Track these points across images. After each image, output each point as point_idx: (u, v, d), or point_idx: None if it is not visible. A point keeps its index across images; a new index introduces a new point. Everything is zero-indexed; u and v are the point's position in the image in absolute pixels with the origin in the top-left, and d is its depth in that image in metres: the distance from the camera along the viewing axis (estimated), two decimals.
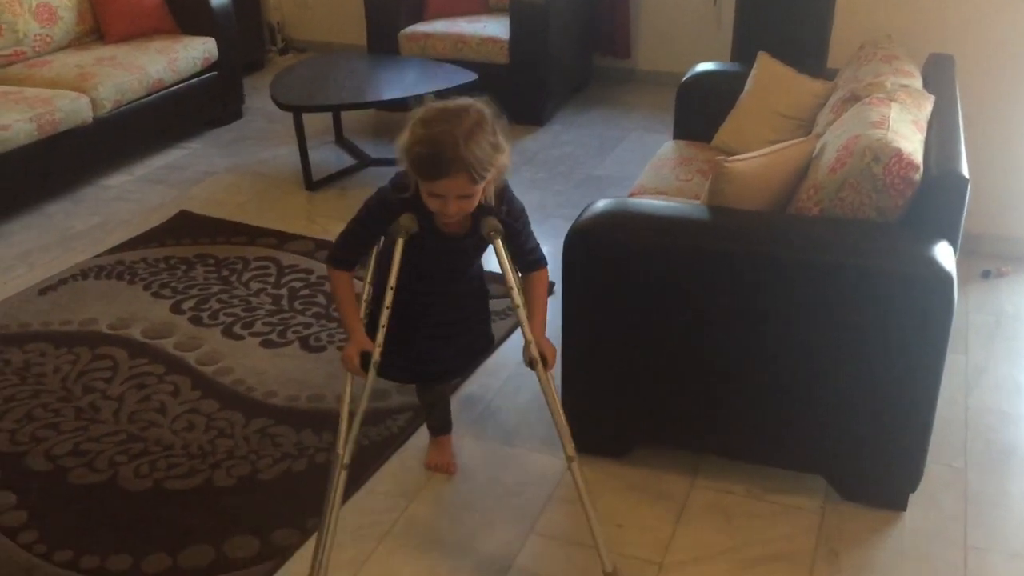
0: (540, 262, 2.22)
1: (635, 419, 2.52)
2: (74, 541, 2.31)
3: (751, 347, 2.30)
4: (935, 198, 2.23)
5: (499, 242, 2.08)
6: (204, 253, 3.74)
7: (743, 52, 3.56)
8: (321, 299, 3.38)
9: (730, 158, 2.38)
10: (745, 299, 2.26)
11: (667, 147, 3.44)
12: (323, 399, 2.83)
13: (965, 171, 2.26)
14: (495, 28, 5.00)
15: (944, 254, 2.15)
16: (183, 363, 3.03)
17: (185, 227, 3.97)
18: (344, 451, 2.09)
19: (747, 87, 3.30)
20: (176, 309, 3.34)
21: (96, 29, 4.87)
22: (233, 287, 3.48)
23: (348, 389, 2.14)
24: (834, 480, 2.42)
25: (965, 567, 2.22)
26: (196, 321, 3.27)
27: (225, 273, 3.58)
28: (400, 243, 2.08)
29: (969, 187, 2.24)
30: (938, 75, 2.95)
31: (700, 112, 3.46)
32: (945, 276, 2.11)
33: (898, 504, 2.38)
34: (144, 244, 3.82)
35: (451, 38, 4.98)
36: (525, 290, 2.20)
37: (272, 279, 3.53)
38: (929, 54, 3.17)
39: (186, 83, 4.79)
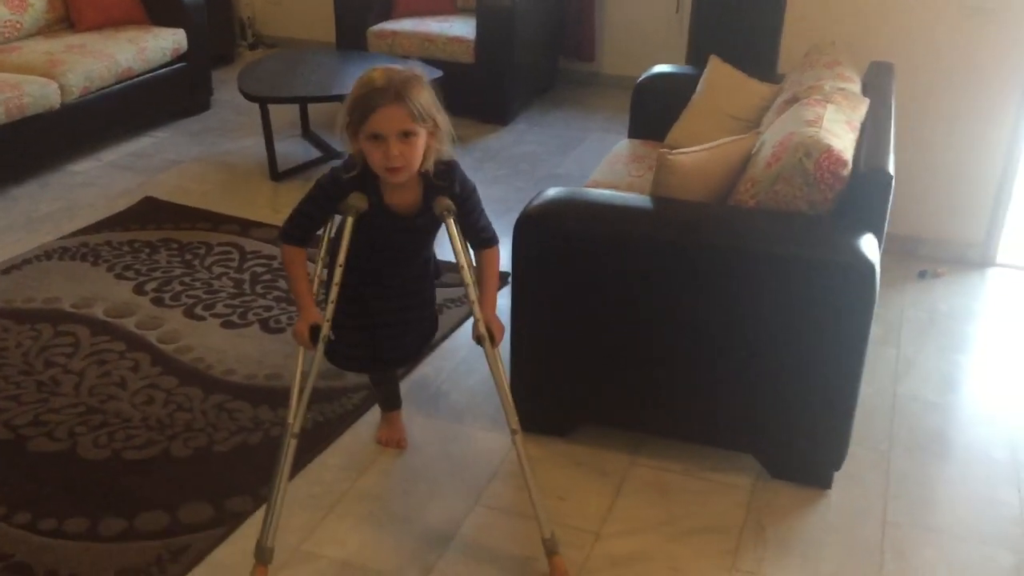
0: (492, 240, 2.29)
1: (579, 399, 2.64)
2: (33, 505, 2.38)
3: (688, 331, 2.43)
4: (862, 193, 2.37)
5: (451, 221, 2.15)
6: (168, 238, 3.81)
7: (697, 56, 3.69)
8: (282, 284, 3.47)
9: (673, 151, 2.51)
10: (683, 285, 2.39)
11: (622, 145, 3.57)
12: (280, 377, 2.92)
13: (891, 169, 2.40)
14: (462, 28, 5.11)
15: (869, 245, 2.28)
16: (144, 341, 3.10)
17: (150, 212, 4.04)
18: (295, 421, 2.15)
19: (699, 89, 3.43)
20: (139, 290, 3.41)
21: (66, 17, 4.93)
22: (196, 271, 3.56)
23: (300, 363, 2.21)
24: (764, 459, 2.55)
25: (883, 540, 2.35)
26: (158, 302, 3.34)
27: (188, 257, 3.66)
28: (350, 221, 2.13)
29: (893, 184, 2.38)
30: (877, 81, 3.09)
31: (655, 112, 3.59)
32: (868, 265, 2.24)
33: (823, 482, 2.52)
34: (109, 228, 3.89)
35: (418, 36, 5.08)
36: (477, 268, 2.26)
37: (235, 264, 3.61)
38: (871, 62, 3.32)
39: (155, 73, 4.86)
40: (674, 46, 5.46)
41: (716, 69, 3.41)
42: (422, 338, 2.54)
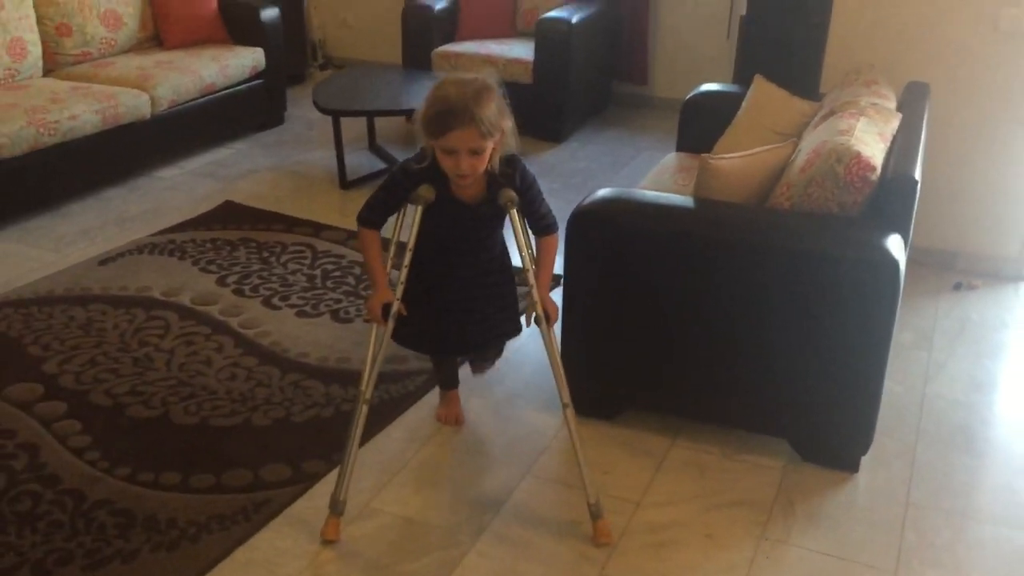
0: (552, 227, 2.48)
1: (625, 385, 2.86)
2: (131, 461, 2.67)
3: (726, 322, 2.65)
4: (889, 197, 2.57)
5: (515, 212, 2.35)
6: (246, 237, 4.12)
7: (743, 75, 3.92)
8: (351, 280, 3.75)
9: (715, 156, 2.74)
10: (722, 279, 2.61)
11: (669, 157, 3.81)
12: (349, 361, 3.19)
13: (917, 175, 2.60)
14: (521, 50, 5.40)
15: (895, 244, 2.49)
16: (227, 326, 3.40)
17: (230, 215, 4.36)
18: (367, 388, 2.38)
19: (744, 106, 3.65)
20: (221, 282, 3.72)
21: (156, 36, 5.31)
22: (272, 267, 3.86)
23: (374, 336, 2.44)
24: (796, 443, 2.74)
25: (904, 519, 2.53)
26: (239, 293, 3.64)
27: (265, 255, 3.96)
28: (419, 210, 2.33)
29: (919, 189, 2.58)
30: (911, 99, 3.29)
31: (702, 128, 3.81)
32: (893, 263, 2.44)
33: (851, 466, 2.70)
34: (193, 228, 4.21)
35: (480, 57, 5.38)
36: (537, 252, 2.47)
37: (307, 261, 3.91)
38: (908, 81, 3.52)
39: (235, 88, 5.21)
40: (723, 70, 5.68)
41: (760, 87, 3.63)
42: (492, 333, 2.67)
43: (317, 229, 4.22)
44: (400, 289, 2.39)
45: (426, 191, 2.33)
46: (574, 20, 5.24)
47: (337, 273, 3.81)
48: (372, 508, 2.53)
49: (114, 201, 4.50)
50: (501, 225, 2.49)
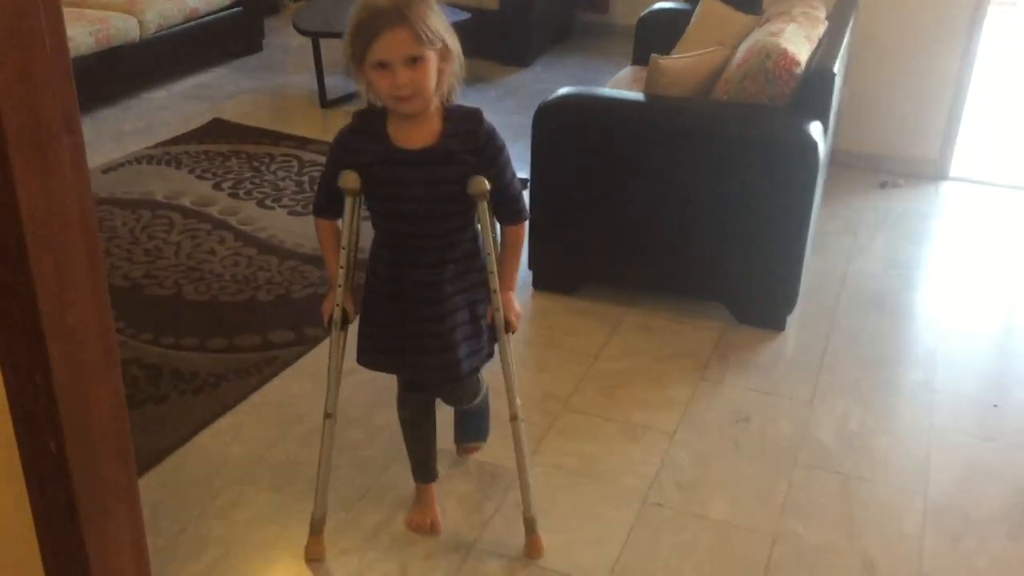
0: (522, 213, 2.08)
1: (583, 262, 3.27)
2: (153, 329, 3.04)
3: (672, 201, 3.05)
4: (811, 88, 2.97)
5: (484, 204, 1.97)
6: (236, 150, 4.46)
7: None
8: None
9: (664, 57, 3.12)
10: (668, 162, 3.00)
11: (625, 70, 4.18)
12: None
13: (836, 69, 3.00)
14: None
15: (815, 129, 2.89)
16: (226, 223, 3.75)
17: (219, 130, 4.68)
18: (329, 400, 2.12)
19: (692, 21, 4.02)
20: (217, 187, 4.06)
21: None
22: (263, 174, 4.20)
23: (330, 345, 2.10)
24: (732, 307, 3.17)
25: (821, 364, 2.98)
26: (234, 196, 3.99)
27: (256, 164, 4.30)
28: (348, 201, 1.97)
29: (837, 81, 2.98)
30: (840, 11, 3.68)
31: (655, 43, 4.15)
32: (813, 143, 2.85)
33: (779, 325, 3.14)
34: (185, 142, 4.53)
35: None
36: (503, 245, 2.09)
37: (295, 170, 4.26)
38: None
39: (217, 15, 5.50)
40: None
41: (707, 4, 4.00)
42: (465, 367, 2.08)
43: (302, 143, 4.55)
44: (339, 292, 2.04)
45: (347, 180, 1.93)
46: None
47: None
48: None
49: (109, 120, 4.80)
50: (469, 210, 1.99)
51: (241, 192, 4.02)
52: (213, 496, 2.40)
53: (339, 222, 2.05)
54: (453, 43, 1.87)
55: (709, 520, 2.35)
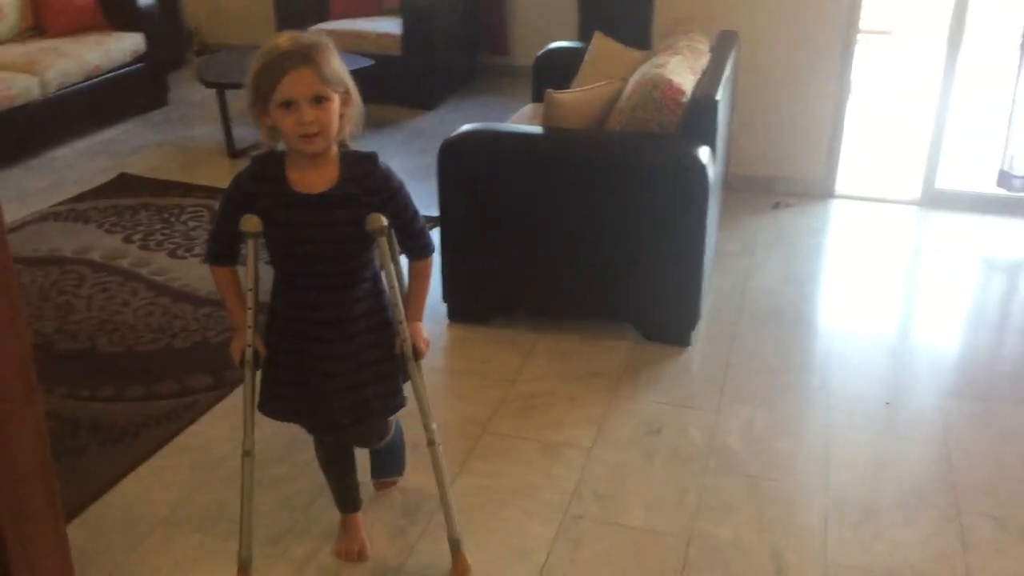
0: (429, 248, 2.13)
1: (495, 292, 3.37)
2: (68, 383, 3.03)
3: (576, 229, 3.19)
4: (697, 115, 3.15)
5: (384, 240, 2.02)
6: (145, 203, 4.46)
7: (585, 33, 4.48)
8: None
9: (558, 91, 3.28)
10: (569, 192, 3.14)
11: (526, 108, 4.34)
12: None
13: (718, 96, 3.19)
14: (390, 25, 5.86)
15: (703, 153, 3.07)
16: (138, 275, 3.76)
17: (127, 185, 4.68)
18: (247, 439, 2.13)
19: (585, 59, 4.20)
20: (127, 240, 4.07)
21: (37, 25, 5.55)
22: (173, 225, 4.22)
23: (244, 385, 2.12)
24: (639, 326, 3.31)
25: (725, 375, 3.13)
26: (145, 247, 4.00)
27: (166, 216, 4.31)
28: (251, 244, 2.01)
29: (719, 107, 3.17)
30: (722, 43, 3.90)
31: (552, 80, 4.30)
32: (702, 166, 3.02)
33: (684, 341, 3.28)
34: (92, 197, 4.52)
35: (352, 34, 5.80)
36: (411, 279, 2.15)
37: (206, 219, 4.28)
38: (721, 30, 4.14)
39: (119, 72, 5.50)
40: (573, 33, 6.26)
41: (599, 42, 4.19)
42: (371, 408, 2.13)
43: (212, 193, 4.58)
44: (250, 333, 2.07)
45: (248, 224, 1.97)
46: None
47: None
48: None
49: (11, 180, 4.76)
50: (368, 247, 2.04)
51: (152, 244, 4.03)
52: (138, 541, 2.41)
53: (237, 267, 2.11)
54: (354, 90, 1.95)
55: (627, 528, 2.46)
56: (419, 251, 2.14)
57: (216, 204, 4.38)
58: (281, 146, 2.01)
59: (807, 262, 3.99)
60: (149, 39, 5.70)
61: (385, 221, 2.00)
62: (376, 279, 2.11)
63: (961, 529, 2.45)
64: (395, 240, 2.11)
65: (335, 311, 2.05)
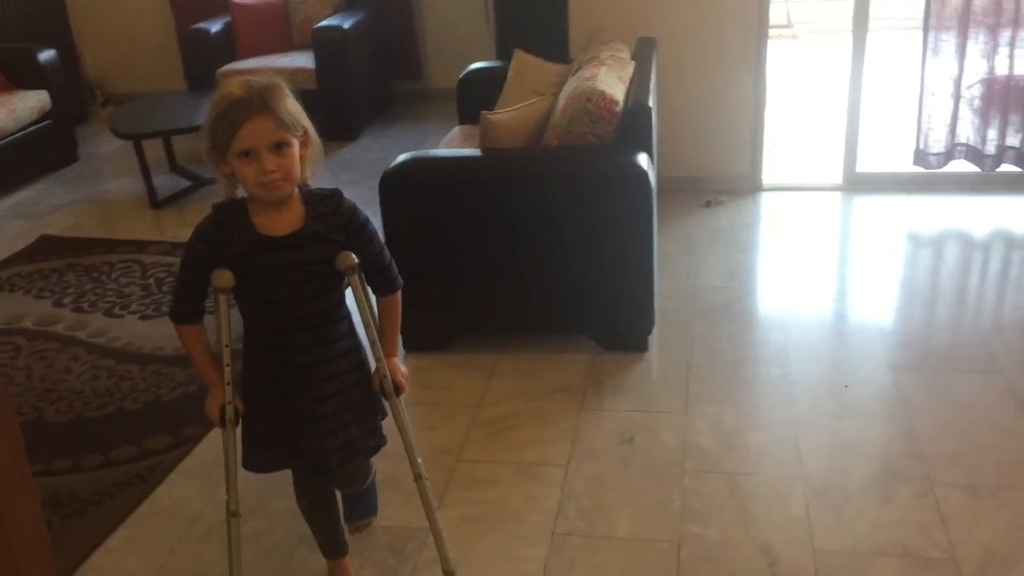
0: (397, 282, 2.12)
1: (451, 316, 3.35)
2: None
3: (525, 246, 3.19)
4: (632, 124, 3.19)
5: (356, 279, 2.01)
6: (71, 264, 4.31)
7: (505, 51, 4.50)
8: None
9: (493, 112, 3.28)
10: (515, 210, 3.15)
11: (455, 130, 4.32)
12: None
13: (651, 104, 3.24)
14: (302, 60, 5.79)
15: (643, 160, 3.10)
16: (76, 339, 3.63)
17: (49, 247, 4.52)
18: (231, 499, 2.05)
19: (508, 76, 4.22)
20: (58, 304, 3.92)
21: None
22: (105, 284, 4.08)
23: (224, 442, 2.05)
24: (597, 336, 3.32)
25: (688, 376, 3.16)
26: (78, 310, 3.86)
27: (95, 275, 4.18)
28: (222, 299, 1.96)
29: (653, 115, 3.22)
30: (642, 51, 3.97)
31: (477, 100, 4.34)
32: (643, 174, 3.06)
33: (642, 347, 3.31)
34: (15, 264, 4.35)
35: (266, 71, 5.65)
36: (381, 315, 2.12)
37: (138, 274, 4.16)
38: (639, 37, 4.20)
39: (26, 131, 5.31)
40: (487, 52, 6.28)
41: (520, 58, 4.22)
42: (352, 450, 2.11)
43: (140, 246, 4.46)
44: (228, 390, 2.00)
45: (220, 279, 1.92)
46: (347, 26, 5.69)
47: (170, 279, 4.08)
48: None
49: None
50: (339, 284, 2.03)
51: (85, 305, 3.89)
52: None
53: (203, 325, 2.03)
54: (311, 129, 1.93)
55: (616, 539, 2.46)
56: (388, 286, 2.12)
57: (146, 257, 4.28)
58: (240, 192, 1.96)
59: (746, 256, 4.06)
60: (54, 95, 5.52)
61: (356, 259, 1.97)
62: (350, 318, 2.09)
63: (936, 501, 2.52)
64: (363, 277, 2.08)
65: (317, 352, 2.02)
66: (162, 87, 6.80)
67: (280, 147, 1.85)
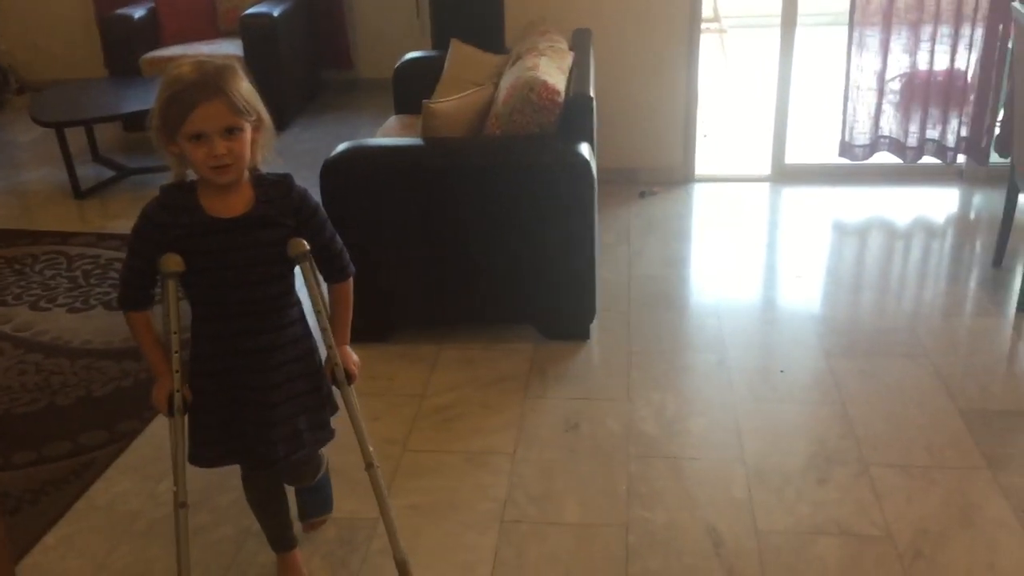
0: (349, 269, 2.13)
1: (392, 306, 3.33)
2: None
3: (467, 236, 3.19)
4: (574, 113, 3.21)
5: (307, 265, 1.99)
6: None
7: (441, 41, 4.48)
8: (114, 274, 3.93)
9: (434, 101, 3.26)
10: (456, 200, 3.14)
11: (391, 120, 4.29)
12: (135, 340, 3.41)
13: (591, 94, 3.27)
14: (229, 47, 5.67)
15: (584, 149, 3.13)
16: (1, 332, 3.50)
17: None
18: (180, 489, 2.00)
19: (446, 67, 4.21)
20: None
21: None
22: (28, 276, 3.95)
23: (170, 432, 2.01)
24: (540, 325, 3.35)
25: (629, 362, 3.20)
26: (2, 303, 3.73)
27: (17, 267, 4.03)
28: (171, 285, 1.91)
29: (594, 104, 3.25)
30: (579, 42, 4.00)
31: (414, 90, 4.31)
32: (585, 163, 3.08)
33: (583, 335, 3.34)
34: None
35: (191, 58, 5.58)
36: (333, 303, 2.12)
37: (64, 266, 4.03)
38: (574, 29, 4.23)
39: None
40: (417, 44, 6.24)
41: (457, 49, 4.21)
42: (301, 441, 2.07)
43: (64, 238, 4.32)
44: (178, 377, 1.96)
45: (171, 261, 1.89)
46: (276, 14, 5.59)
47: (98, 271, 3.97)
48: None
49: None
50: (289, 270, 2.00)
51: (9, 298, 3.76)
52: None
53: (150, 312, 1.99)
54: (265, 114, 1.91)
55: (565, 525, 2.48)
56: (339, 273, 2.11)
57: (72, 249, 4.15)
58: (191, 174, 1.92)
59: (680, 245, 4.13)
60: None
61: (307, 245, 1.95)
62: (300, 306, 2.06)
63: (871, 481, 2.60)
64: (314, 265, 2.05)
65: (266, 338, 1.99)
66: (81, 74, 6.58)
67: (232, 132, 1.82)
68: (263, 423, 2.01)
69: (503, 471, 2.69)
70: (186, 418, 2.02)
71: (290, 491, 2.34)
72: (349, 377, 2.10)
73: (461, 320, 3.39)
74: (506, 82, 3.34)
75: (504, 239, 3.17)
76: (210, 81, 1.79)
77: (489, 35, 4.43)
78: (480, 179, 3.12)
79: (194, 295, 1.98)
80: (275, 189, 1.96)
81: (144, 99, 4.99)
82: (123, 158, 5.28)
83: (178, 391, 1.97)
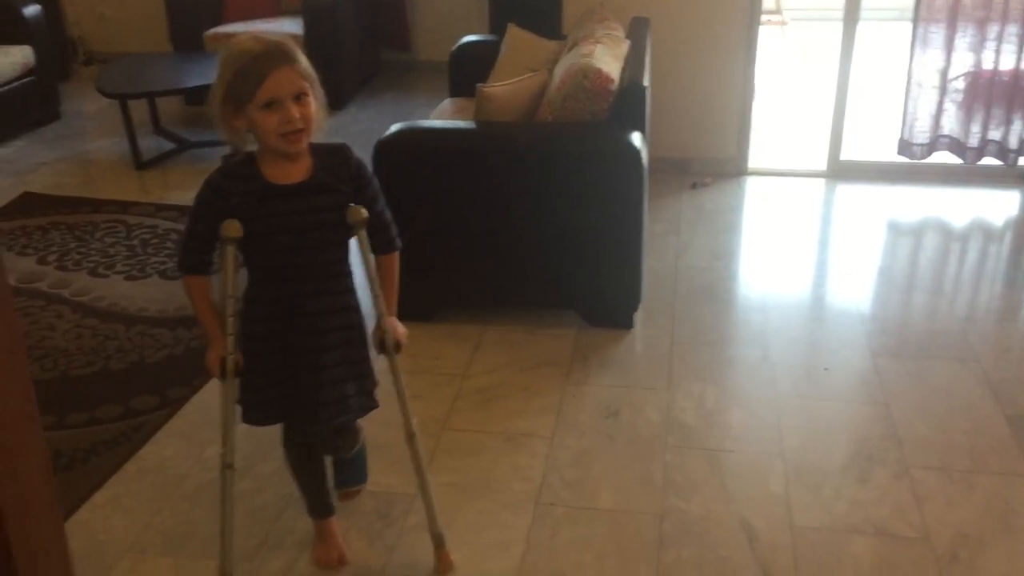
0: (396, 243, 2.18)
1: (438, 287, 3.37)
2: None
3: (516, 220, 3.21)
4: (627, 102, 3.21)
5: (363, 233, 2.05)
6: (55, 222, 4.28)
7: (498, 26, 4.50)
8: (170, 245, 4.02)
9: (489, 85, 3.28)
10: (507, 184, 3.16)
11: (445, 103, 4.33)
12: (187, 309, 3.50)
13: (645, 83, 3.26)
14: (291, 26, 5.75)
15: (636, 138, 3.13)
16: (60, 296, 3.61)
17: (32, 204, 4.48)
18: (227, 451, 2.07)
19: (502, 51, 4.22)
20: (42, 261, 3.90)
21: None
22: (89, 243, 4.06)
23: (221, 395, 2.07)
24: (583, 312, 3.36)
25: (671, 353, 3.21)
26: (63, 268, 3.84)
27: (79, 234, 4.15)
28: (230, 251, 1.98)
29: (648, 94, 3.24)
30: (636, 30, 3.98)
31: (469, 74, 4.34)
32: (636, 151, 3.08)
33: (627, 324, 3.35)
34: None
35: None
36: (381, 273, 2.16)
37: (123, 235, 4.14)
38: (632, 17, 4.22)
39: (8, 87, 5.24)
40: (475, 28, 6.27)
41: (514, 34, 4.22)
42: (345, 407, 2.13)
43: (124, 207, 4.43)
44: (231, 341, 2.02)
45: (231, 228, 1.95)
46: None
47: (155, 241, 4.07)
48: None
49: None
50: (345, 238, 2.06)
51: (69, 264, 3.87)
52: (105, 572, 2.33)
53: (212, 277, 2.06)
54: (319, 87, 1.97)
55: (599, 511, 2.50)
56: (388, 245, 2.17)
57: (131, 219, 4.26)
58: (249, 148, 1.98)
59: (730, 238, 4.11)
60: (38, 51, 5.45)
61: (366, 213, 2.02)
62: (352, 275, 2.11)
63: (912, 483, 2.58)
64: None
65: (321, 303, 2.05)
66: (145, 48, 6.71)
67: (301, 97, 1.89)
68: (314, 384, 2.07)
69: (540, 454, 2.72)
70: (237, 381, 2.07)
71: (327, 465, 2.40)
72: (397, 346, 2.15)
73: (505, 303, 3.42)
74: (560, 68, 3.35)
75: (552, 225, 3.19)
76: (275, 50, 1.87)
77: (546, 21, 4.44)
78: (530, 164, 3.14)
79: (252, 261, 2.04)
80: (333, 157, 2.02)
81: (206, 74, 5.08)
82: (183, 131, 5.39)
83: (231, 355, 2.03)
